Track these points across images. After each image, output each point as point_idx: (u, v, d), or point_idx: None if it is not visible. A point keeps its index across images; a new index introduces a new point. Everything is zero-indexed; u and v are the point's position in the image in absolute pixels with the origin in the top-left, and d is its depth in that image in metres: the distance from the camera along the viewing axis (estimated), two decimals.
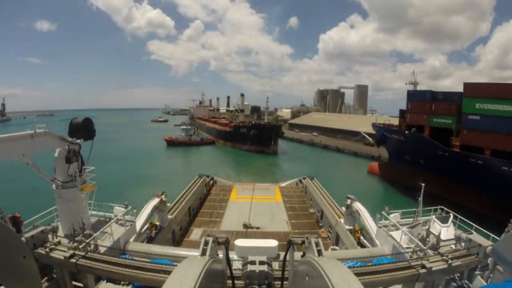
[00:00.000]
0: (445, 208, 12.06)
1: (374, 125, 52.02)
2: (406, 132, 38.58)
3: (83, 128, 10.76)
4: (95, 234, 9.31)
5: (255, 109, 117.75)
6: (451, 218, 10.97)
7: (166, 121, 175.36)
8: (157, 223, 14.41)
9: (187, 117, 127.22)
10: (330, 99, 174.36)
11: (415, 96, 38.96)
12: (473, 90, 30.79)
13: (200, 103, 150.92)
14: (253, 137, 70.64)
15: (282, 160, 66.28)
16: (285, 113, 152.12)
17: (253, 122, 77.46)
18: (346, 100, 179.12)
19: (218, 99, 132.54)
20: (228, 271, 5.13)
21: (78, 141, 10.44)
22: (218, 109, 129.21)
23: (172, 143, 77.12)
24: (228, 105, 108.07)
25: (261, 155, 68.16)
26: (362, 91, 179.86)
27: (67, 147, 10.01)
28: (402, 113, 42.74)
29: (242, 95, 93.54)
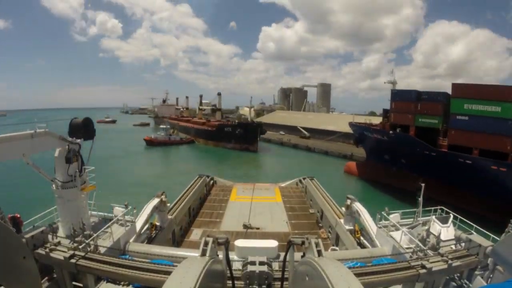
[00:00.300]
0: (445, 209, 12.06)
1: (352, 124, 51.09)
2: (391, 131, 38.08)
3: (83, 128, 10.77)
4: (95, 235, 9.31)
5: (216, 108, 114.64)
6: (451, 219, 10.98)
7: (114, 121, 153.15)
8: (157, 224, 14.41)
9: (148, 116, 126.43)
10: (293, 98, 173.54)
11: (399, 96, 38.75)
12: (461, 91, 31.26)
13: (164, 101, 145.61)
14: (239, 135, 72.57)
15: (265, 156, 70.95)
16: (246, 111, 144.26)
17: (236, 121, 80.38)
18: (308, 99, 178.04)
19: (187, 97, 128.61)
20: (228, 272, 5.13)
21: (78, 141, 10.45)
22: (187, 108, 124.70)
23: (151, 143, 76.65)
24: (201, 104, 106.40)
25: (246, 153, 70.83)
26: (325, 90, 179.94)
27: (67, 147, 10.02)
28: (386, 112, 42.87)
29: (219, 94, 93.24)
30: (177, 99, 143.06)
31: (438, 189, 28.02)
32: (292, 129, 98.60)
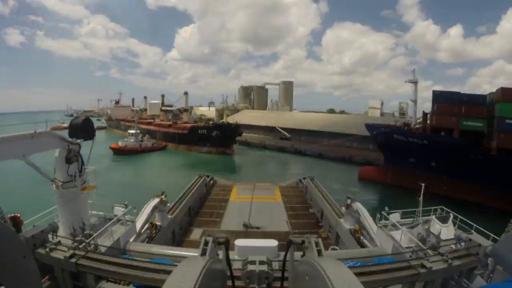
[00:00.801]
0: (445, 208, 12.07)
1: (371, 126, 48.58)
2: (442, 133, 36.29)
3: (83, 128, 10.78)
4: (95, 234, 9.32)
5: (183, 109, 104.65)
6: (451, 218, 10.99)
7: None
8: (157, 223, 14.42)
9: (96, 119, 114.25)
10: (255, 96, 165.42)
11: (442, 98, 36.93)
12: (510, 94, 31.18)
13: (117, 102, 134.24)
14: (216, 138, 67.39)
15: (245, 160, 66.11)
16: (202, 111, 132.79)
17: (211, 122, 75.27)
18: (269, 97, 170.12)
19: (145, 98, 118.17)
20: (228, 271, 5.14)
21: (78, 141, 10.46)
22: (146, 109, 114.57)
23: (120, 152, 63.59)
24: (163, 104, 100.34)
25: (223, 156, 66.20)
26: (287, 88, 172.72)
27: (67, 147, 10.02)
28: (425, 115, 40.89)
29: (186, 93, 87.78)
30: (132, 99, 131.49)
31: (481, 193, 30.20)
32: (267, 130, 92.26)
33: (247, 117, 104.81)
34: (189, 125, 76.89)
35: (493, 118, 32.48)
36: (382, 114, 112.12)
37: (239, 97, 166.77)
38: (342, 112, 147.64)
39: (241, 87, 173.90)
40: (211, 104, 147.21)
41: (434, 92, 38.23)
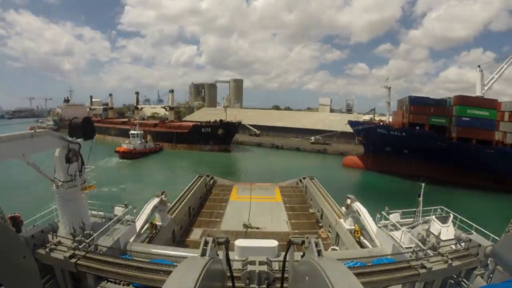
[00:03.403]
0: (445, 208, 12.06)
1: (354, 123, 59.34)
2: (418, 127, 46.52)
3: (82, 128, 10.78)
4: (95, 234, 9.31)
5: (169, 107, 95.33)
6: (451, 218, 10.98)
7: None
8: (157, 223, 14.41)
9: (36, 120, 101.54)
10: (206, 93, 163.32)
11: (416, 101, 48.69)
12: (463, 100, 45.18)
13: (67, 101, 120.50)
14: (221, 136, 68.71)
15: (245, 155, 70.23)
16: (148, 109, 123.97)
17: (213, 120, 72.79)
18: (219, 94, 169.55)
19: (110, 95, 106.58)
20: (228, 272, 5.13)
21: (78, 140, 10.45)
22: (112, 108, 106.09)
23: (130, 155, 58.67)
24: (137, 103, 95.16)
25: (227, 154, 68.35)
26: (238, 85, 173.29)
27: (67, 146, 10.02)
28: (403, 114, 52.61)
29: (172, 91, 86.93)
30: (91, 97, 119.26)
31: (444, 171, 42.43)
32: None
33: (207, 114, 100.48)
34: (187, 124, 77.50)
35: (451, 116, 45.45)
36: (331, 110, 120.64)
37: (190, 95, 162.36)
38: (287, 108, 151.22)
39: (192, 84, 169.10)
40: (160, 102, 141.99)
41: (410, 97, 49.75)
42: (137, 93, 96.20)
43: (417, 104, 48.03)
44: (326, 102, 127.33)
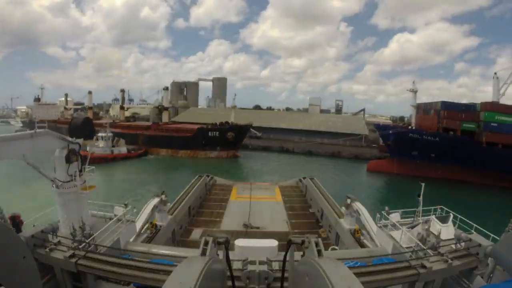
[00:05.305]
0: (445, 208, 12.08)
1: (380, 126, 60.53)
2: (451, 132, 48.49)
3: (82, 128, 10.78)
4: (95, 234, 9.31)
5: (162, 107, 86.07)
6: (451, 218, 11.00)
7: None
8: (157, 223, 14.41)
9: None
10: (187, 92, 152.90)
11: (449, 106, 50.48)
12: (491, 107, 47.44)
13: (38, 100, 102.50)
14: (231, 140, 60.32)
15: (257, 163, 60.78)
16: (119, 109, 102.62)
17: (222, 122, 64.94)
18: (201, 93, 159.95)
19: (90, 93, 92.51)
20: (228, 271, 5.14)
21: (78, 140, 10.45)
22: (90, 107, 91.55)
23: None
24: (122, 102, 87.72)
25: (234, 160, 59.90)
26: (221, 84, 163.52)
27: (67, 147, 10.02)
28: (438, 119, 54.21)
29: (166, 88, 79.30)
30: (66, 95, 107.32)
31: (472, 173, 44.89)
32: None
33: (197, 115, 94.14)
34: (188, 126, 67.71)
35: (479, 122, 47.35)
36: (321, 110, 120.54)
37: (172, 94, 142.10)
38: (269, 108, 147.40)
39: (172, 82, 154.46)
40: (143, 101, 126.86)
41: (443, 102, 51.12)
42: (122, 90, 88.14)
43: (450, 109, 49.55)
44: (317, 102, 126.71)
